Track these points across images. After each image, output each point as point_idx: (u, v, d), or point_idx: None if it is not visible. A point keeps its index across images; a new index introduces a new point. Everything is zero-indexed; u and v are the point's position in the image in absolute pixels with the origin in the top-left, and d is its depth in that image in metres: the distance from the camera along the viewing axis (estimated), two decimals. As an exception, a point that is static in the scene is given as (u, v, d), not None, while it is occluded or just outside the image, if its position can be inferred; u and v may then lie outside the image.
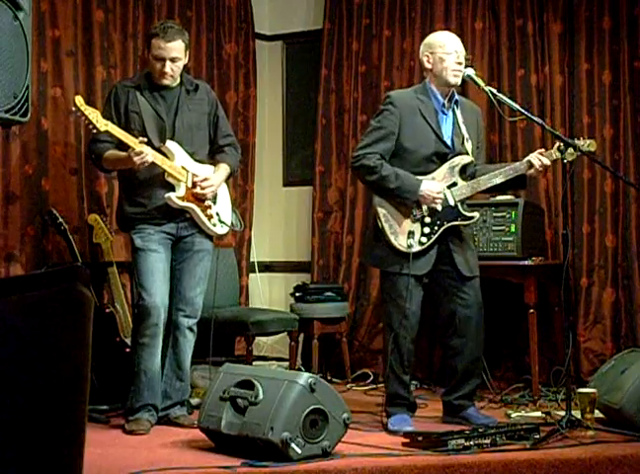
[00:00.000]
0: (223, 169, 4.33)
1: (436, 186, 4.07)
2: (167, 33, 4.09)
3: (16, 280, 1.65)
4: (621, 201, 5.31)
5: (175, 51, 4.11)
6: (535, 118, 4.24)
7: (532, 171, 4.11)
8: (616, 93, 5.35)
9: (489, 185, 4.14)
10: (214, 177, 4.26)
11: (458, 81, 4.11)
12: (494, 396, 4.88)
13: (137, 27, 5.36)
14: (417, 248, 4.07)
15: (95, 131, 4.00)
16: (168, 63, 4.12)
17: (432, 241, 4.09)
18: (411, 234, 4.07)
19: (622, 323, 5.27)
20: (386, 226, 4.11)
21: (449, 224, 4.11)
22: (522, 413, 4.46)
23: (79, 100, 3.95)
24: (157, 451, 3.63)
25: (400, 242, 4.08)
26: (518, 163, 4.15)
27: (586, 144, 4.10)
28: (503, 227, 5.01)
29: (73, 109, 3.96)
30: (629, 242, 5.28)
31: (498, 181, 4.13)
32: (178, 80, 4.24)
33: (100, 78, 5.10)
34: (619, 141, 5.31)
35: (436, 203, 4.06)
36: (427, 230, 4.09)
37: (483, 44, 5.63)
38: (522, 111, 4.08)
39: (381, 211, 4.12)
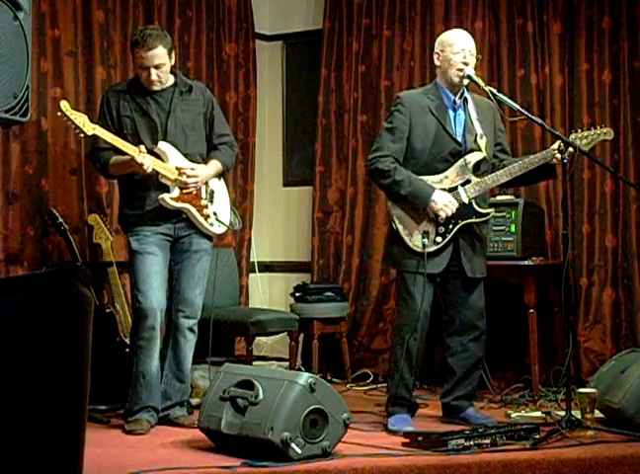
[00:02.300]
0: (213, 164, 4.29)
1: (448, 197, 4.05)
2: (146, 41, 4.05)
3: (16, 280, 1.65)
4: (621, 201, 5.31)
5: (157, 58, 4.08)
6: (535, 119, 4.23)
7: (556, 161, 4.03)
8: (616, 93, 5.34)
9: (502, 180, 4.10)
10: (201, 168, 4.21)
11: (464, 81, 4.11)
12: (494, 396, 4.89)
13: (137, 27, 5.34)
14: (432, 247, 4.06)
15: (82, 136, 3.99)
16: (153, 71, 4.09)
17: (447, 240, 4.08)
18: (426, 234, 4.06)
19: (622, 323, 5.27)
20: (400, 227, 4.10)
21: (464, 222, 4.09)
22: (522, 413, 4.46)
23: (64, 105, 3.91)
24: (157, 451, 3.63)
25: (415, 242, 4.07)
26: (532, 156, 4.07)
27: (602, 133, 4.06)
28: (503, 227, 5.00)
29: (59, 114, 3.92)
30: (629, 242, 5.27)
31: (511, 176, 4.07)
32: (171, 81, 4.23)
33: (100, 78, 5.10)
34: (619, 141, 5.31)
35: (444, 211, 4.04)
36: (441, 229, 4.08)
37: (483, 44, 5.62)
38: (522, 111, 4.07)
39: (395, 213, 4.13)
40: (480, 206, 4.13)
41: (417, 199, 4.05)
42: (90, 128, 3.93)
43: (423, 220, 4.09)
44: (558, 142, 4.01)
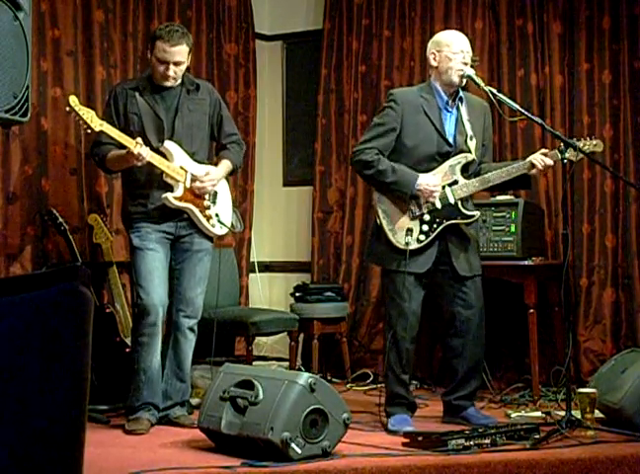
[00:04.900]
0: (224, 164, 4.33)
1: (432, 179, 4.06)
2: (172, 37, 4.07)
3: (16, 280, 1.64)
4: (621, 201, 5.31)
5: (179, 55, 4.10)
6: (535, 119, 4.24)
7: (535, 171, 4.10)
8: (616, 93, 5.34)
9: (490, 183, 4.13)
10: (215, 171, 4.25)
11: (463, 81, 4.11)
12: (494, 396, 4.88)
13: (137, 27, 5.36)
14: (415, 245, 4.06)
15: (89, 132, 4.00)
16: (171, 66, 4.11)
17: (430, 239, 4.08)
18: (409, 231, 4.06)
19: (622, 323, 5.27)
20: (384, 223, 4.11)
21: (448, 222, 4.10)
22: (522, 413, 4.46)
23: (73, 100, 3.93)
24: (157, 451, 3.63)
25: (398, 239, 4.08)
26: (521, 162, 4.13)
27: (592, 144, 4.08)
28: (503, 227, 5.00)
29: (67, 109, 3.94)
30: (629, 242, 5.27)
31: (500, 180, 4.11)
32: (179, 80, 4.24)
33: (100, 78, 5.10)
34: (619, 141, 5.31)
35: (433, 197, 4.05)
36: (425, 228, 4.09)
37: (483, 44, 5.63)
38: (522, 111, 4.08)
39: (380, 208, 4.13)
40: (466, 208, 4.14)
41: (402, 187, 4.06)
42: (97, 124, 3.95)
43: (408, 217, 4.09)
44: (539, 153, 4.08)
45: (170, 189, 4.15)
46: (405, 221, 4.09)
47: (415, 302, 4.09)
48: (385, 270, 4.20)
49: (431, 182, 4.05)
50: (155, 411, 4.14)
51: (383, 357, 4.27)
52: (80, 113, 3.90)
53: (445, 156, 4.12)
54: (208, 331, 4.36)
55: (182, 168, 4.16)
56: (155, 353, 4.13)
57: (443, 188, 4.10)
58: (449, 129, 4.15)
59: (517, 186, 4.37)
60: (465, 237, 4.17)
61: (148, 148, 4.02)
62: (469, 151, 4.14)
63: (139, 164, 4.00)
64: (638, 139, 5.29)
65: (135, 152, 3.95)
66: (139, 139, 4.01)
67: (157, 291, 4.09)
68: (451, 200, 4.10)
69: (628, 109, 5.30)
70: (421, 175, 4.06)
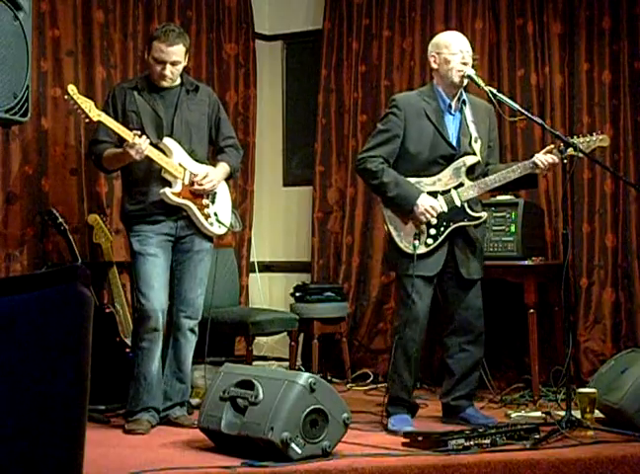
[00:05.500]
0: (222, 166, 4.32)
1: (432, 202, 4.04)
2: (168, 36, 4.08)
3: (16, 280, 1.64)
4: (621, 201, 5.31)
5: (175, 55, 4.11)
6: (535, 118, 4.23)
7: (539, 170, 4.09)
8: (616, 93, 5.34)
9: (496, 184, 4.12)
10: (214, 172, 4.25)
11: (464, 82, 4.11)
12: (494, 396, 4.88)
13: (137, 27, 5.36)
14: (422, 249, 4.06)
15: (87, 121, 4.00)
16: (168, 66, 4.12)
17: (438, 242, 4.08)
18: (417, 235, 4.06)
19: (622, 323, 5.27)
20: (392, 228, 4.11)
21: (456, 225, 4.09)
22: (522, 413, 4.46)
23: (72, 89, 3.93)
24: (157, 451, 3.63)
25: (405, 244, 4.08)
26: (527, 162, 4.12)
27: (598, 139, 4.07)
28: (503, 227, 5.00)
29: (65, 97, 3.95)
30: (629, 242, 5.27)
31: (505, 181, 4.09)
32: (178, 81, 4.25)
33: (100, 78, 5.10)
34: (619, 141, 5.31)
35: (425, 217, 4.03)
36: (433, 231, 4.08)
37: (483, 44, 5.62)
38: (522, 111, 4.08)
39: (386, 214, 4.14)
40: (473, 210, 4.13)
41: (403, 201, 4.06)
42: (96, 114, 3.95)
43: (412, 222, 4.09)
44: (544, 151, 4.07)
45: (168, 185, 4.14)
46: (412, 226, 4.09)
47: (424, 305, 4.09)
48: (397, 274, 4.20)
49: (428, 204, 4.03)
50: (155, 413, 4.13)
51: (389, 360, 4.26)
52: (79, 101, 3.91)
53: (449, 159, 4.11)
54: (209, 331, 4.36)
55: (180, 165, 4.16)
56: (155, 357, 4.12)
57: (449, 191, 4.09)
58: (453, 132, 4.15)
59: (523, 185, 4.36)
60: (471, 240, 4.17)
61: (147, 140, 4.01)
62: (474, 153, 4.13)
63: (138, 158, 3.98)
64: (638, 139, 5.29)
65: (131, 142, 3.93)
66: (138, 132, 4.00)
67: (157, 297, 4.08)
68: (457, 203, 4.09)
69: (628, 109, 5.30)
70: (422, 195, 4.05)
